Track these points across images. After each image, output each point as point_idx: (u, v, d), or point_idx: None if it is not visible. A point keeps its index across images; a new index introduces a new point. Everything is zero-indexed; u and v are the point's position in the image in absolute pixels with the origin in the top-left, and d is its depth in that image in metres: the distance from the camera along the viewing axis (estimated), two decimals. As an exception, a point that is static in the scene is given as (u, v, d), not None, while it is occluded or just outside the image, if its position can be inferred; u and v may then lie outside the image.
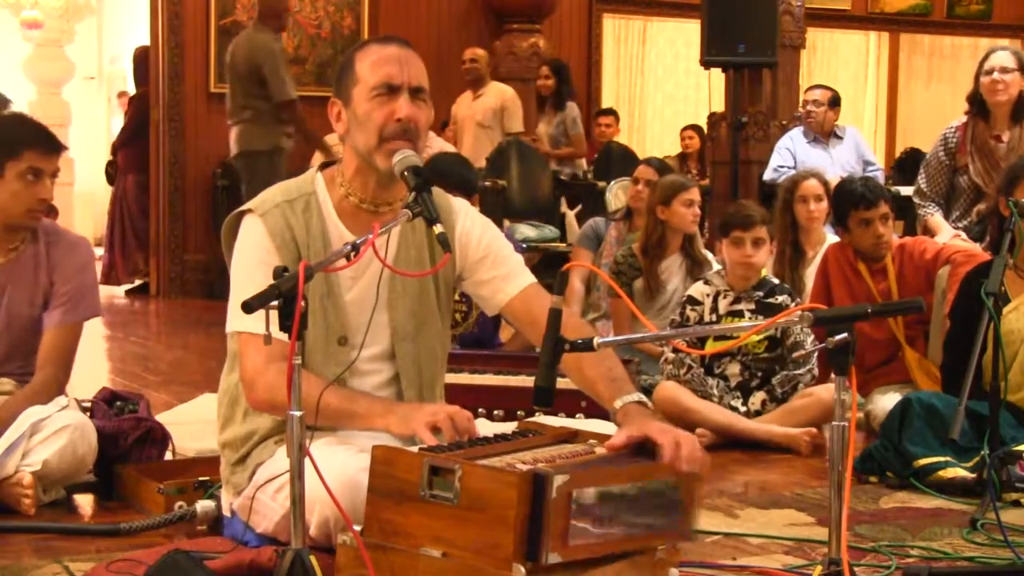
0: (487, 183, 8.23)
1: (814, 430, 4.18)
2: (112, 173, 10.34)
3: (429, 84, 2.67)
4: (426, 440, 2.36)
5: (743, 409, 4.34)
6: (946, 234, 5.11)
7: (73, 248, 3.55)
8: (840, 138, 7.89)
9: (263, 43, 7.35)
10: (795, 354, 4.35)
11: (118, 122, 12.62)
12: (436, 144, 8.22)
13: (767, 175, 7.89)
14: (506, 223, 7.97)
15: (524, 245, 7.70)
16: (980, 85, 5.27)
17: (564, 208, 9.30)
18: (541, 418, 2.88)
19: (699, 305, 4.53)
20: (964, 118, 5.39)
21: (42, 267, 3.48)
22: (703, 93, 9.63)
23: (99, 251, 9.66)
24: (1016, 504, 3.36)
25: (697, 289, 4.60)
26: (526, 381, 3.83)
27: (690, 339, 4.26)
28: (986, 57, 5.30)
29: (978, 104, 5.29)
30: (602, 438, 2.46)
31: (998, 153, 5.23)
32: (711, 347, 4.34)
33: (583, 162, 9.66)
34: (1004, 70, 5.20)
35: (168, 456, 3.56)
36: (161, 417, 3.87)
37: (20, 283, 3.46)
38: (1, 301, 3.45)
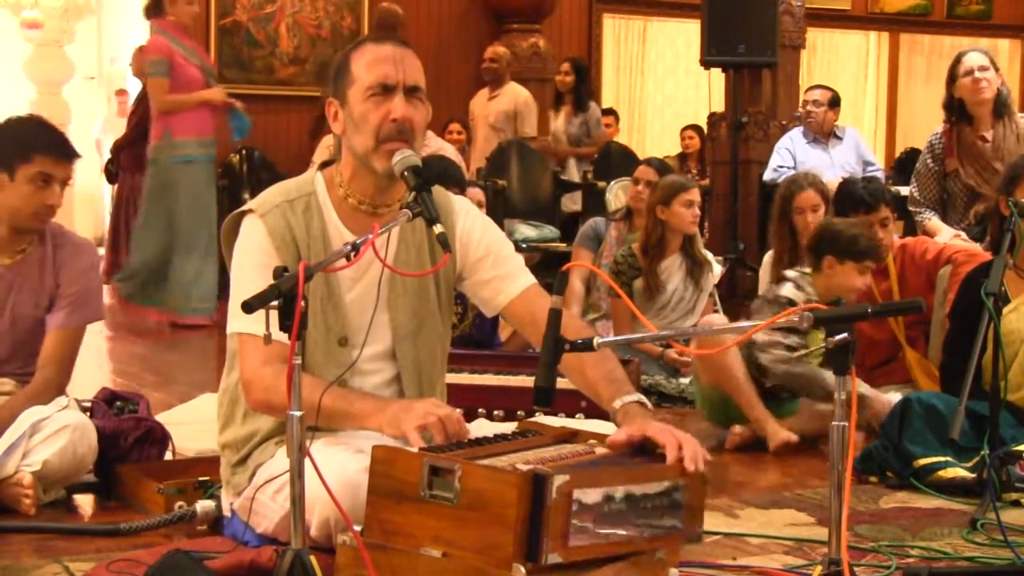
0: (487, 183, 8.23)
1: (794, 438, 4.11)
2: (113, 172, 10.32)
3: (428, 84, 2.66)
4: (414, 444, 2.35)
5: None
6: (946, 235, 5.11)
7: (79, 251, 3.55)
8: (840, 138, 7.90)
9: None
10: None
11: (112, 120, 12.61)
12: (435, 144, 8.23)
13: (767, 175, 7.90)
14: (506, 223, 7.99)
15: (524, 245, 7.72)
16: (958, 88, 5.26)
17: (578, 207, 9.28)
18: (541, 418, 2.88)
19: None
20: (946, 124, 5.39)
21: (48, 269, 3.48)
22: (703, 93, 9.63)
23: (100, 251, 9.66)
24: (1016, 504, 3.36)
25: (794, 293, 4.37)
26: (526, 381, 3.83)
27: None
28: (958, 61, 5.29)
29: (957, 110, 5.30)
30: (602, 438, 2.46)
31: (986, 154, 5.24)
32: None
33: None
34: (983, 68, 5.21)
35: (168, 456, 3.56)
36: (161, 417, 3.87)
37: (26, 285, 3.45)
38: (7, 302, 3.44)
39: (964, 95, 5.25)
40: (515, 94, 9.05)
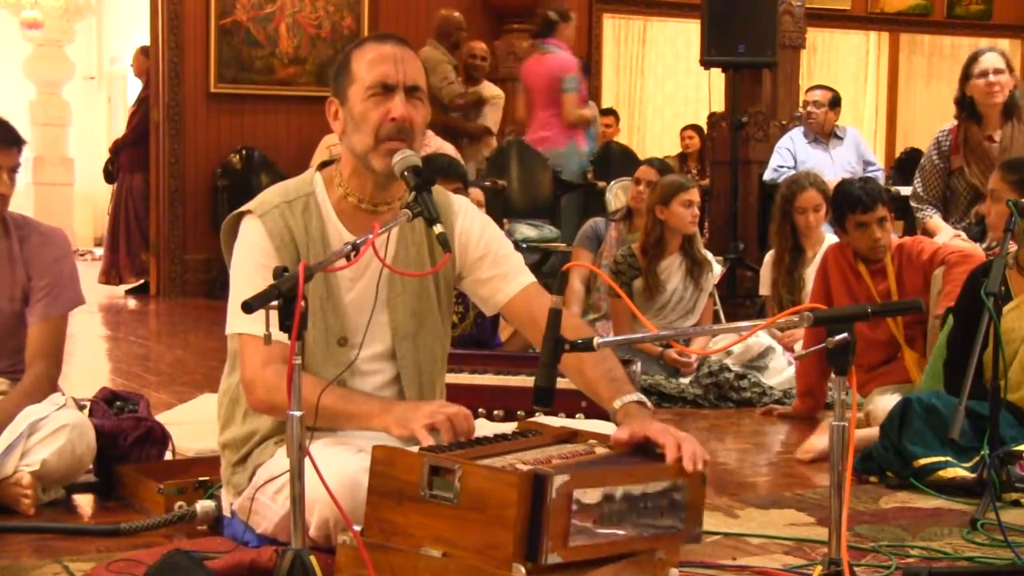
0: (487, 183, 8.22)
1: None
2: (112, 172, 10.32)
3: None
4: (424, 441, 2.36)
5: None
6: (946, 234, 5.10)
7: (47, 240, 3.47)
8: (840, 139, 7.90)
9: (431, 56, 8.36)
10: None
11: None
12: (435, 143, 8.23)
13: (767, 175, 7.90)
14: (506, 223, 7.98)
15: (524, 245, 7.71)
16: (971, 88, 5.25)
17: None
18: (541, 418, 2.88)
19: None
20: (954, 121, 5.38)
21: (17, 262, 3.41)
22: (703, 93, 9.63)
23: (99, 251, 9.65)
24: (1016, 504, 3.36)
25: None
26: (526, 381, 3.83)
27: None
28: (974, 60, 5.27)
29: (968, 107, 5.28)
30: (602, 438, 2.46)
31: (992, 154, 5.23)
32: None
33: None
34: (997, 71, 5.19)
35: (168, 456, 3.56)
36: (161, 417, 3.87)
37: None
38: None
39: (976, 95, 5.24)
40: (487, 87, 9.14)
